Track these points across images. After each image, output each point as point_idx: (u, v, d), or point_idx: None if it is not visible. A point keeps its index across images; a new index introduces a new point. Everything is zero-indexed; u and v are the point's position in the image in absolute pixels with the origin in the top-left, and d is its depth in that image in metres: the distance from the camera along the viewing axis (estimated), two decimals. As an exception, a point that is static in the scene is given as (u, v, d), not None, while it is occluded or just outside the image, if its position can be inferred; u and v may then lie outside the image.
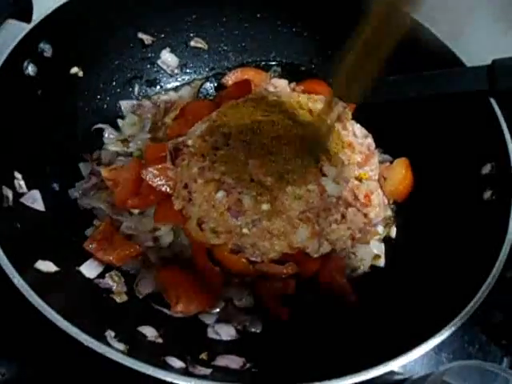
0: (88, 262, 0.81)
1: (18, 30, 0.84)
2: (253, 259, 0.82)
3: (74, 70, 0.95)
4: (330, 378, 0.60)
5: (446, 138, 0.93)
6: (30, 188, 0.81)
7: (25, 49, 0.83)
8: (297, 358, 0.74)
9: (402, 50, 0.95)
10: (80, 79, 0.97)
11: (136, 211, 0.89)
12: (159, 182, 0.86)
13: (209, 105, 1.00)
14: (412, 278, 0.85)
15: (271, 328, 0.82)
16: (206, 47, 1.11)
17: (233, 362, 0.72)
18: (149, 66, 1.09)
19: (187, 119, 0.96)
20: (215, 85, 1.10)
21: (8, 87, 0.80)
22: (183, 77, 1.12)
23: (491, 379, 0.68)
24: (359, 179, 0.87)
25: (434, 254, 0.85)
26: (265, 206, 0.79)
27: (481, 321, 0.88)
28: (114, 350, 0.61)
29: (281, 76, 1.10)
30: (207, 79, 1.11)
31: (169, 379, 0.59)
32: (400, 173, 0.97)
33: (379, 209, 0.88)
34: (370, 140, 0.95)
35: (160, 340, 0.74)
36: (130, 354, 0.62)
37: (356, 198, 0.84)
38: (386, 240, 0.95)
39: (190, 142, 0.87)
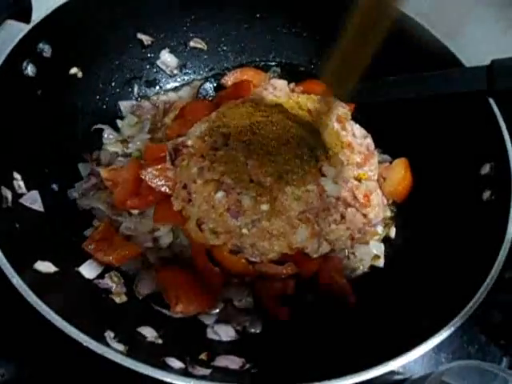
0: (87, 263, 0.81)
1: (17, 31, 0.84)
2: (252, 259, 0.83)
3: (74, 70, 0.95)
4: (329, 378, 0.60)
5: (445, 139, 0.93)
6: (29, 188, 0.81)
7: (24, 49, 0.83)
8: (296, 359, 0.74)
9: (402, 51, 0.96)
10: (79, 79, 0.97)
11: (135, 212, 0.89)
12: (158, 183, 0.86)
13: (208, 105, 1.00)
14: (411, 278, 0.85)
15: (271, 328, 0.82)
16: (205, 48, 1.11)
17: (232, 362, 0.72)
18: (148, 66, 1.09)
19: (186, 120, 0.96)
20: (214, 85, 1.10)
21: (7, 87, 0.80)
22: (182, 77, 1.12)
23: (490, 379, 0.68)
24: (358, 179, 0.87)
25: (433, 255, 0.85)
26: (264, 207, 0.79)
27: (480, 321, 0.88)
28: (113, 351, 0.61)
29: (280, 76, 1.10)
30: (206, 80, 1.11)
31: (168, 380, 0.59)
32: (399, 173, 0.97)
33: (378, 209, 0.88)
34: (369, 140, 0.95)
35: (159, 340, 0.74)
36: (129, 354, 0.62)
37: (355, 198, 0.84)
38: (386, 240, 0.95)
39: (189, 143, 0.87)
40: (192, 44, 1.10)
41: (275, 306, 0.83)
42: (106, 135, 1.00)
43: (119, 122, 1.04)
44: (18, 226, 0.75)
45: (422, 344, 0.64)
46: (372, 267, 0.91)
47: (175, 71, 1.11)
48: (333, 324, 0.81)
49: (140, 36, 1.04)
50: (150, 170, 0.86)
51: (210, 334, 0.79)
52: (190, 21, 1.08)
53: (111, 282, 0.81)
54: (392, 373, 0.81)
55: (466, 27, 1.12)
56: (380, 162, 0.97)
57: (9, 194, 0.76)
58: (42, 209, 0.82)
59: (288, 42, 1.12)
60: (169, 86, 1.11)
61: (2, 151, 0.78)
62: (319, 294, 0.85)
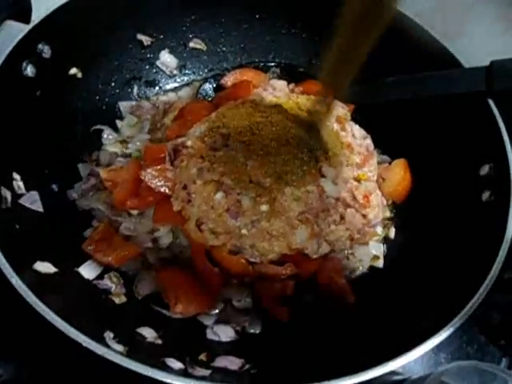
0: (87, 263, 0.81)
1: (16, 31, 0.84)
2: (252, 260, 0.83)
3: (73, 70, 0.95)
4: (329, 378, 0.60)
5: (444, 139, 0.93)
6: (28, 189, 0.81)
7: (24, 50, 0.83)
8: (296, 359, 0.74)
9: (401, 51, 0.96)
10: (79, 80, 0.97)
11: (135, 212, 0.89)
12: (158, 183, 0.86)
13: (208, 106, 1.00)
14: (411, 278, 0.85)
15: (270, 329, 0.82)
16: (204, 48, 1.11)
17: (232, 363, 0.72)
18: (148, 66, 1.09)
19: (186, 120, 0.96)
20: (214, 86, 1.10)
21: (7, 88, 0.80)
22: (182, 78, 1.12)
23: (490, 379, 0.68)
24: (358, 180, 0.88)
25: (433, 255, 0.85)
26: (264, 207, 0.79)
27: (479, 321, 0.88)
28: (112, 352, 0.61)
29: (280, 77, 1.10)
30: (206, 80, 1.11)
31: (168, 380, 0.59)
32: (398, 174, 0.97)
33: (378, 210, 0.88)
34: (368, 141, 0.95)
35: (159, 341, 0.73)
36: (129, 355, 0.62)
37: (355, 198, 0.85)
38: (385, 241, 0.95)
39: (189, 143, 0.87)
40: (192, 44, 1.10)
41: (275, 306, 0.83)
42: (105, 136, 1.00)
43: (119, 123, 1.04)
44: (17, 226, 0.74)
45: (421, 344, 0.64)
46: (371, 268, 0.91)
47: (175, 72, 1.11)
48: (332, 324, 0.81)
49: (140, 36, 1.04)
50: (149, 170, 0.86)
51: (210, 335, 0.79)
52: (189, 21, 1.08)
53: (111, 283, 0.81)
54: (391, 373, 0.80)
55: (465, 28, 1.12)
56: (379, 163, 0.97)
57: (8, 195, 0.76)
58: (41, 209, 0.82)
59: (287, 43, 1.12)
60: (168, 87, 1.11)
61: (1, 152, 0.78)
62: (319, 294, 0.85)
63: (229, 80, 1.08)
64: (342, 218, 0.84)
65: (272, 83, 1.02)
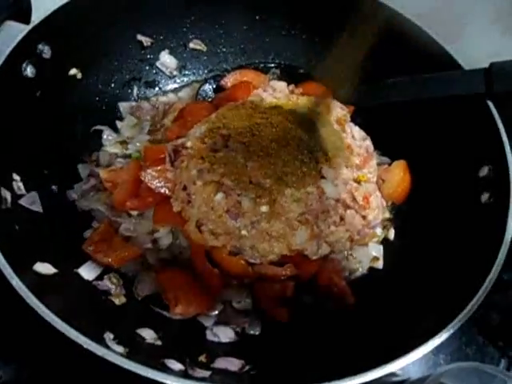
0: (86, 264, 0.81)
1: (16, 32, 0.84)
2: (252, 261, 0.83)
3: (73, 71, 0.95)
4: (328, 380, 0.60)
5: (443, 141, 0.93)
6: (28, 190, 0.81)
7: (24, 50, 0.82)
8: (296, 360, 0.74)
9: (400, 53, 0.96)
10: (79, 81, 0.97)
11: (135, 213, 0.89)
12: (158, 184, 0.86)
13: (208, 107, 1.00)
14: (410, 279, 0.85)
15: (270, 330, 0.82)
16: (204, 49, 1.11)
17: (232, 364, 0.72)
18: (148, 67, 1.09)
19: (186, 121, 0.96)
20: (214, 87, 1.10)
21: (7, 89, 0.80)
22: (182, 78, 1.12)
23: (489, 381, 0.68)
24: (358, 181, 0.88)
25: (432, 256, 0.85)
26: (264, 208, 0.79)
27: (478, 323, 0.88)
28: (112, 353, 0.61)
29: (279, 78, 1.10)
30: (206, 81, 1.11)
31: (168, 382, 0.59)
32: (398, 175, 0.97)
33: (378, 211, 0.89)
34: (368, 142, 0.95)
35: (159, 342, 0.74)
36: (128, 356, 0.62)
37: (354, 200, 0.85)
38: (384, 242, 0.95)
39: (189, 144, 0.87)
40: (191, 45, 1.10)
41: (274, 307, 0.83)
42: (105, 136, 1.00)
43: (118, 123, 1.04)
44: (17, 227, 0.74)
45: (420, 346, 0.64)
46: (371, 269, 0.91)
47: (175, 72, 1.11)
48: (332, 326, 0.81)
49: (139, 37, 1.04)
50: (149, 171, 0.86)
51: (210, 336, 0.80)
52: (189, 22, 1.08)
53: (110, 284, 0.81)
54: (391, 375, 0.81)
55: (464, 30, 1.12)
56: (379, 164, 0.97)
57: (8, 195, 0.76)
58: (41, 210, 0.81)
59: (287, 44, 1.12)
60: (168, 88, 1.11)
61: (1, 152, 0.78)
62: (318, 295, 0.85)
63: (229, 81, 1.08)
64: (342, 219, 0.84)
65: (272, 84, 1.02)
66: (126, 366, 0.59)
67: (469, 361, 0.86)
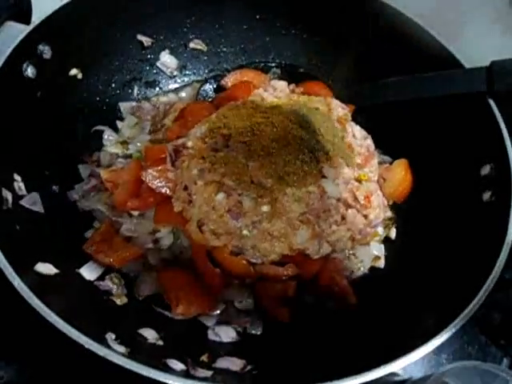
0: (88, 265, 0.81)
1: (17, 32, 0.84)
2: (253, 261, 0.83)
3: (74, 71, 0.95)
4: (330, 379, 0.60)
5: (445, 139, 0.93)
6: (29, 190, 0.81)
7: (24, 51, 0.83)
8: (297, 360, 0.74)
9: (402, 52, 0.96)
10: (79, 81, 0.97)
11: (136, 213, 0.89)
12: (159, 184, 0.86)
13: (208, 106, 1.00)
14: (412, 279, 0.85)
15: (271, 330, 0.82)
16: (205, 49, 1.11)
17: (233, 364, 0.72)
18: (148, 67, 1.09)
19: (187, 121, 0.96)
20: (215, 86, 1.10)
21: (7, 89, 0.80)
22: (182, 78, 1.12)
23: (491, 380, 0.68)
24: (359, 180, 0.87)
25: (434, 255, 0.85)
26: (265, 208, 0.79)
27: (480, 322, 0.88)
28: (114, 353, 0.61)
29: (280, 78, 1.10)
30: (206, 81, 1.11)
31: (170, 382, 0.59)
32: (399, 174, 0.97)
33: (379, 210, 0.88)
34: (369, 141, 0.95)
35: (160, 342, 0.74)
36: (130, 356, 0.62)
37: (356, 199, 0.85)
38: (386, 241, 0.95)
39: (189, 144, 0.87)
40: (192, 45, 1.10)
41: (276, 307, 0.83)
42: (106, 136, 1.00)
43: (119, 123, 1.04)
44: (18, 227, 0.75)
45: (422, 345, 0.64)
46: (372, 268, 0.91)
47: (175, 72, 1.11)
48: (333, 325, 0.81)
49: (140, 37, 1.04)
50: (150, 171, 0.86)
51: (211, 336, 0.80)
52: (189, 22, 1.08)
53: (112, 284, 0.81)
54: (393, 374, 0.81)
55: (465, 28, 1.12)
56: (380, 163, 0.97)
57: (9, 196, 0.76)
58: (42, 210, 0.81)
59: (288, 44, 1.12)
60: (169, 88, 1.11)
61: (2, 153, 0.78)
62: (320, 295, 0.85)
63: (229, 81, 1.08)
64: (343, 218, 0.84)
65: (272, 84, 1.02)
66: (127, 366, 0.59)
67: (471, 360, 0.85)
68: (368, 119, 0.99)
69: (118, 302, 0.80)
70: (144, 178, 0.85)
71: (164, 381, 0.59)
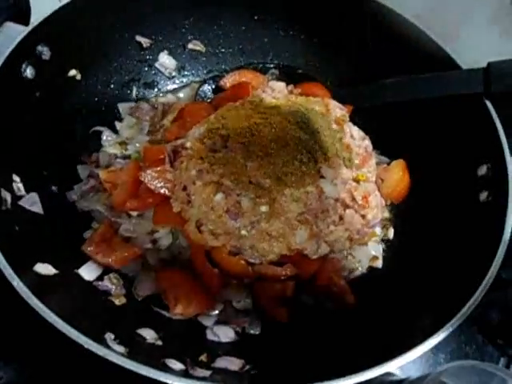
0: (86, 265, 0.81)
1: (16, 33, 0.84)
2: (251, 261, 0.83)
3: (72, 72, 0.95)
4: (328, 378, 0.60)
5: (442, 140, 0.94)
6: (28, 191, 0.81)
7: (23, 51, 0.83)
8: (296, 360, 0.74)
9: (399, 53, 0.97)
10: (78, 82, 0.97)
11: (134, 213, 0.89)
12: (158, 185, 0.86)
13: (207, 107, 1.01)
14: (409, 278, 0.86)
15: (270, 329, 0.82)
16: (203, 50, 1.11)
17: (232, 363, 0.72)
18: (147, 68, 1.09)
19: (185, 121, 0.96)
20: (213, 87, 1.11)
21: (6, 90, 0.80)
22: (181, 79, 1.13)
23: (488, 379, 0.68)
24: (357, 181, 0.88)
25: (431, 255, 0.86)
26: (263, 208, 0.79)
27: (477, 321, 0.88)
28: (114, 353, 0.61)
29: (278, 78, 1.10)
30: (205, 82, 1.11)
31: (169, 381, 0.59)
32: (397, 174, 0.98)
33: (377, 210, 0.89)
34: (367, 142, 0.95)
35: (159, 342, 0.74)
36: (129, 356, 0.62)
37: (354, 199, 0.85)
38: (384, 241, 0.96)
39: (188, 145, 0.87)
40: (190, 46, 1.10)
41: (274, 307, 0.83)
42: (104, 137, 1.00)
43: (118, 124, 1.04)
44: (17, 228, 0.75)
45: (420, 345, 0.64)
46: (370, 268, 0.92)
47: (174, 73, 1.11)
48: (331, 325, 0.82)
49: (139, 38, 1.04)
50: (149, 171, 0.86)
51: (210, 336, 0.80)
52: (188, 23, 1.08)
53: (110, 284, 0.81)
54: (390, 374, 0.81)
55: (462, 30, 1.13)
56: (378, 164, 0.98)
57: (8, 196, 0.76)
58: (41, 211, 0.82)
59: (286, 44, 1.12)
60: (167, 88, 1.11)
61: (1, 153, 0.78)
62: (318, 295, 0.86)
63: (228, 81, 1.08)
64: (341, 218, 0.84)
65: (271, 84, 1.02)
66: (127, 366, 0.60)
67: (468, 359, 0.86)
68: (366, 120, 0.99)
69: (117, 302, 0.80)
70: (143, 179, 0.85)
71: (163, 380, 0.59)
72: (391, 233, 0.96)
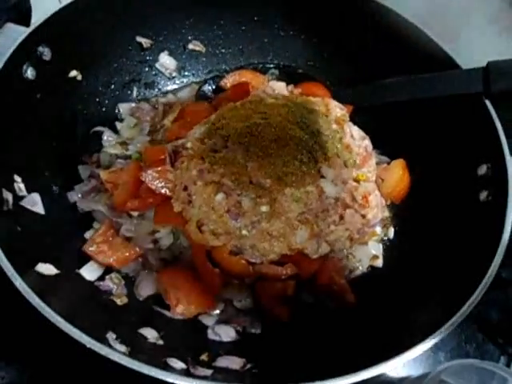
0: (88, 265, 0.82)
1: (17, 34, 0.84)
2: (252, 261, 0.83)
3: (73, 73, 0.96)
4: (329, 377, 0.61)
5: (442, 140, 0.94)
6: (29, 191, 0.81)
7: (24, 52, 0.83)
8: (296, 359, 0.75)
9: (398, 53, 0.97)
10: (79, 82, 0.97)
11: (135, 213, 0.89)
12: (159, 185, 0.86)
13: (207, 107, 1.01)
14: (410, 278, 0.86)
15: (271, 329, 0.82)
16: (203, 50, 1.12)
17: (233, 362, 0.72)
18: (147, 68, 1.09)
19: (186, 121, 0.96)
20: (213, 87, 1.11)
21: (7, 91, 0.81)
22: (181, 79, 1.13)
23: (488, 377, 0.68)
24: (357, 181, 0.88)
25: (431, 254, 0.86)
26: (264, 208, 0.79)
27: (478, 320, 0.89)
28: (116, 352, 0.61)
29: (278, 78, 1.11)
30: (205, 82, 1.11)
31: (170, 380, 0.59)
32: (397, 174, 0.98)
33: (377, 210, 0.89)
34: (367, 142, 0.95)
35: (161, 342, 0.74)
36: (131, 355, 0.63)
37: (354, 199, 0.85)
38: (384, 241, 0.96)
39: (189, 145, 0.87)
40: (191, 46, 1.11)
41: (275, 306, 0.83)
42: (105, 137, 1.01)
43: (118, 125, 1.04)
44: (18, 228, 0.75)
45: (420, 343, 0.65)
46: (371, 267, 0.92)
47: (174, 74, 1.12)
48: (332, 324, 0.82)
49: (139, 39, 1.05)
50: (149, 171, 0.86)
51: (211, 335, 0.80)
52: (188, 23, 1.08)
53: (112, 284, 0.81)
54: (391, 372, 0.81)
55: (462, 29, 1.13)
56: (378, 163, 0.98)
57: (9, 197, 0.76)
58: (42, 211, 0.82)
59: (286, 45, 1.12)
60: (168, 89, 1.12)
61: (2, 154, 0.78)
62: (318, 294, 0.86)
63: (228, 81, 1.09)
64: (342, 218, 0.84)
65: (271, 85, 1.03)
66: (128, 365, 0.60)
67: (469, 358, 0.86)
68: (366, 120, 1.00)
69: (119, 302, 0.80)
70: (143, 179, 0.85)
71: (164, 379, 0.59)
72: (391, 232, 0.96)
